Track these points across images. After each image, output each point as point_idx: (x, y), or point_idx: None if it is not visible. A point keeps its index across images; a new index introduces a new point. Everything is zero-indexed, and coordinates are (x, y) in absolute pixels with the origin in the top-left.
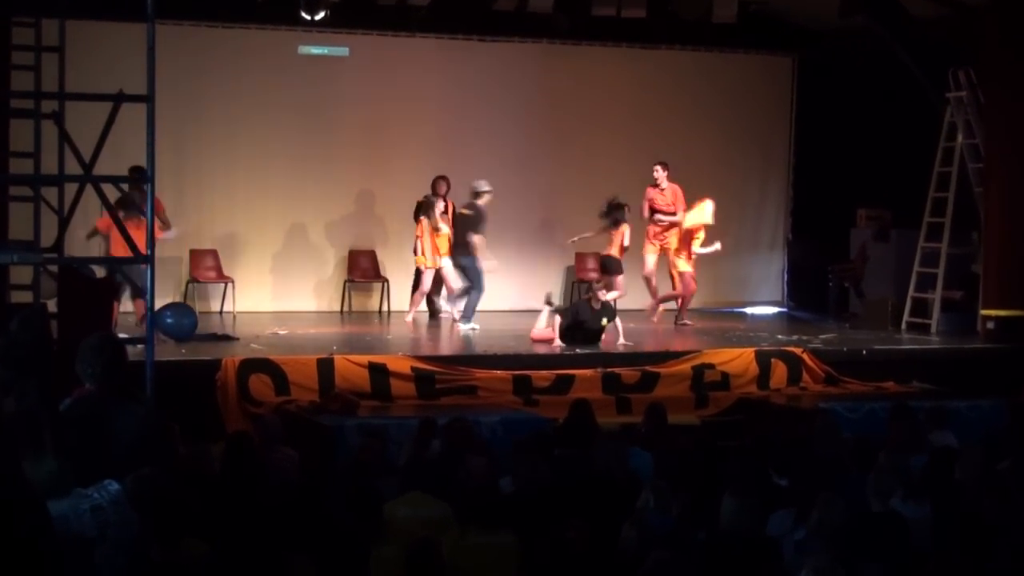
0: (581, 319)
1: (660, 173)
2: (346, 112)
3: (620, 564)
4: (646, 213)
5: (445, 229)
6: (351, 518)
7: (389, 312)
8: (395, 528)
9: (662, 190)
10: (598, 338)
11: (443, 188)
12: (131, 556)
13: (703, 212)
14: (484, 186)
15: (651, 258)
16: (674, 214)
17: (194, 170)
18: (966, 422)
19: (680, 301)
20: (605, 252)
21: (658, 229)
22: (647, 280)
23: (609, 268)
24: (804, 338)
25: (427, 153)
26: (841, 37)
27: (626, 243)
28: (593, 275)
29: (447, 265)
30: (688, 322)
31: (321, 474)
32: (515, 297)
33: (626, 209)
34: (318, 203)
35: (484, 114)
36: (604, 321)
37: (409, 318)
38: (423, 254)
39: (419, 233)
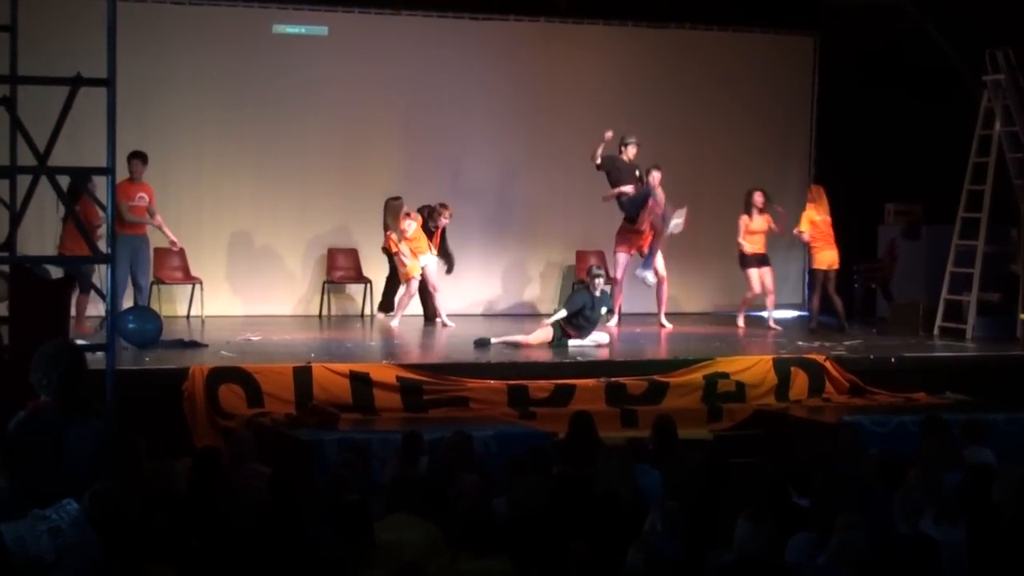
0: (580, 307)
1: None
2: (325, 97)
3: None
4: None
5: (414, 226)
6: (338, 539)
7: (372, 316)
8: (379, 553)
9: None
10: (593, 327)
11: (444, 219)
12: None
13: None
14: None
15: (624, 256)
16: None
17: (159, 160)
18: (1005, 437)
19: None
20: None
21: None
22: (618, 283)
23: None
24: (827, 345)
25: (414, 142)
26: (867, 14)
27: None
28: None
29: (430, 263)
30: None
31: (297, 493)
32: (510, 300)
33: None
34: (294, 197)
35: (477, 100)
36: (604, 311)
37: (395, 323)
38: (412, 261)
39: (395, 247)
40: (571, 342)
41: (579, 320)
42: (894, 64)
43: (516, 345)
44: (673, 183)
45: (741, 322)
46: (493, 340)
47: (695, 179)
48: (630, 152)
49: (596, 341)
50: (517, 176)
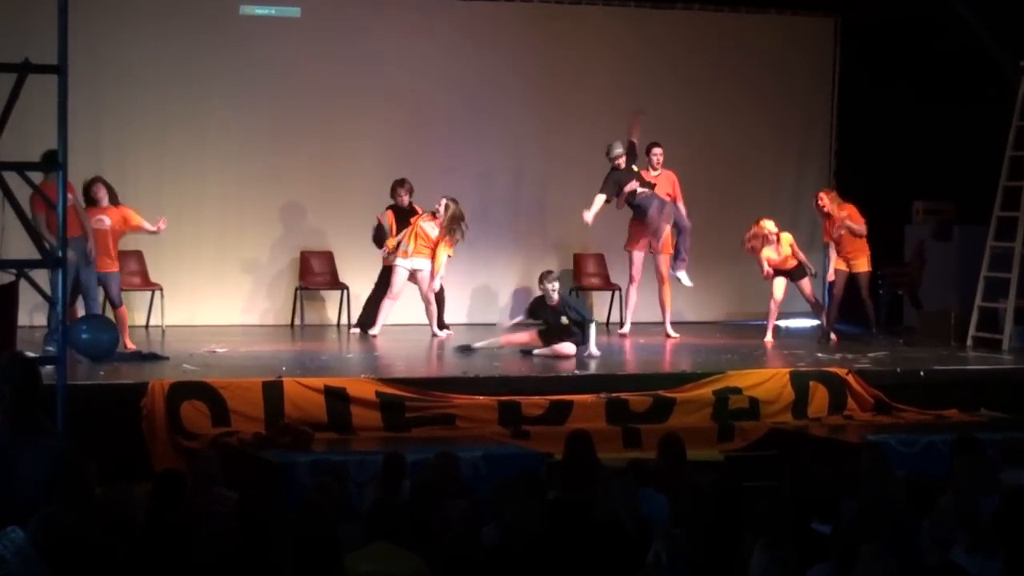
0: (540, 318)
1: (659, 156)
2: (297, 85)
3: None
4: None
5: (432, 231)
6: (304, 573)
7: (349, 325)
8: None
9: (654, 177)
10: (559, 336)
11: (404, 197)
12: None
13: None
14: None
15: (639, 255)
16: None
17: (115, 155)
18: None
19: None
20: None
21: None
22: (633, 285)
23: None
24: (849, 356)
25: (395, 134)
26: None
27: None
28: (595, 280)
29: (425, 269)
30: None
31: (267, 521)
32: (503, 307)
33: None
34: (264, 194)
35: (463, 87)
36: (564, 320)
37: (375, 331)
38: (409, 249)
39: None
40: (535, 351)
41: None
42: (923, 49)
43: (498, 346)
44: (679, 180)
45: (769, 336)
46: (475, 345)
47: (703, 175)
48: (622, 162)
49: (555, 351)
50: (509, 173)
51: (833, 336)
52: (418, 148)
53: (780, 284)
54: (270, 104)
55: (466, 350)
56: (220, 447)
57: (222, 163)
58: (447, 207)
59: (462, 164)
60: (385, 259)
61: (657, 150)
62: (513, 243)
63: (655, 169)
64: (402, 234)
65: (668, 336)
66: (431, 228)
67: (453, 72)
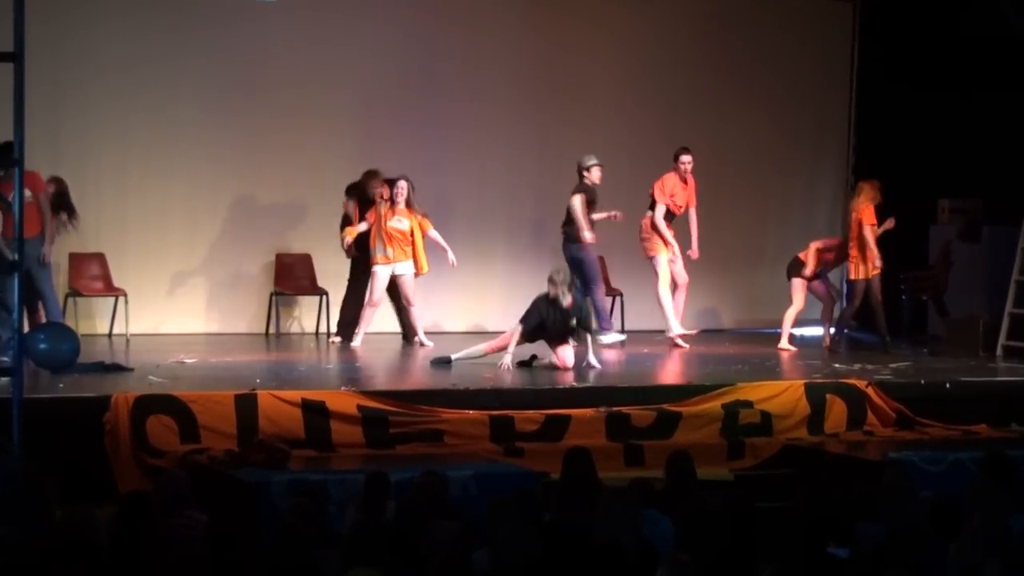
0: (542, 318)
1: (689, 164)
2: (274, 73)
3: None
4: (660, 218)
5: (403, 224)
6: None
7: (329, 333)
8: None
9: (686, 184)
10: (566, 339)
11: (380, 188)
12: None
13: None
14: (590, 160)
15: (663, 258)
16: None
17: (75, 149)
18: None
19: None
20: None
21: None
22: (670, 294)
23: None
24: (869, 367)
25: (380, 128)
26: None
27: None
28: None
29: (408, 272)
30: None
31: (240, 544)
32: (497, 315)
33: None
34: (237, 192)
35: (454, 80)
36: (573, 322)
37: (357, 341)
38: (389, 252)
39: (371, 220)
40: (534, 363)
41: (543, 335)
42: (948, 35)
43: (481, 355)
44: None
45: (784, 342)
46: (454, 357)
47: (713, 169)
48: (595, 175)
49: (558, 358)
50: (505, 171)
51: (826, 339)
52: (404, 142)
53: (800, 287)
54: (245, 94)
55: (444, 363)
56: (189, 465)
57: (191, 161)
58: (406, 188)
59: (454, 162)
60: (347, 252)
61: (686, 157)
62: (507, 244)
63: (683, 179)
64: (372, 236)
65: (675, 345)
66: (399, 222)
67: (442, 60)
